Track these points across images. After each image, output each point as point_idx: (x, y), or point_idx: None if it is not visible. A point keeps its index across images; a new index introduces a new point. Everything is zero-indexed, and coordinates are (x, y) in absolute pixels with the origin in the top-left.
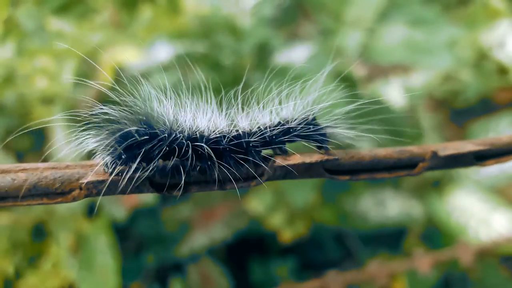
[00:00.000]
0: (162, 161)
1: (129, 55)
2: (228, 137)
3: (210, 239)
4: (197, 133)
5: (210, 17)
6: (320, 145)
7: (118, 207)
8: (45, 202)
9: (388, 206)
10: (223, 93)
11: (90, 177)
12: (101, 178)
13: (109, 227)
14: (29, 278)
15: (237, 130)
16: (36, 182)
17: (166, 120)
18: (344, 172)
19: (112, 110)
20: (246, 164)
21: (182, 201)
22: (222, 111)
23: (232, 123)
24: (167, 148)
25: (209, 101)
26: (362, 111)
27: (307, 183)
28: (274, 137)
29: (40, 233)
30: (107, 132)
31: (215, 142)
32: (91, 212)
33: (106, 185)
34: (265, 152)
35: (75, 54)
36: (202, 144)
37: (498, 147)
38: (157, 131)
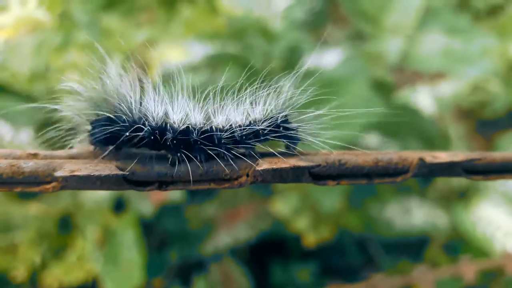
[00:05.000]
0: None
1: (174, 54)
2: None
3: (234, 239)
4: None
5: (242, 19)
6: (290, 144)
7: (146, 203)
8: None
9: (413, 214)
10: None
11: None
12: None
13: (137, 223)
14: (53, 269)
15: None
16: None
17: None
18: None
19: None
20: None
21: (207, 200)
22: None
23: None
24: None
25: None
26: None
27: (336, 188)
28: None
29: (66, 225)
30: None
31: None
32: (118, 207)
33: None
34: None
35: (120, 50)
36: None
37: None
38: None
